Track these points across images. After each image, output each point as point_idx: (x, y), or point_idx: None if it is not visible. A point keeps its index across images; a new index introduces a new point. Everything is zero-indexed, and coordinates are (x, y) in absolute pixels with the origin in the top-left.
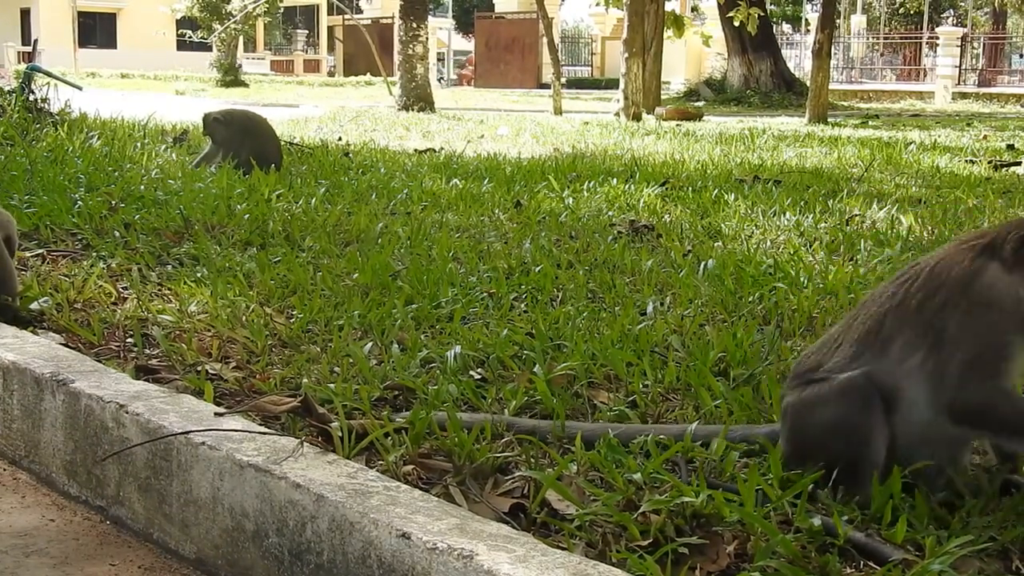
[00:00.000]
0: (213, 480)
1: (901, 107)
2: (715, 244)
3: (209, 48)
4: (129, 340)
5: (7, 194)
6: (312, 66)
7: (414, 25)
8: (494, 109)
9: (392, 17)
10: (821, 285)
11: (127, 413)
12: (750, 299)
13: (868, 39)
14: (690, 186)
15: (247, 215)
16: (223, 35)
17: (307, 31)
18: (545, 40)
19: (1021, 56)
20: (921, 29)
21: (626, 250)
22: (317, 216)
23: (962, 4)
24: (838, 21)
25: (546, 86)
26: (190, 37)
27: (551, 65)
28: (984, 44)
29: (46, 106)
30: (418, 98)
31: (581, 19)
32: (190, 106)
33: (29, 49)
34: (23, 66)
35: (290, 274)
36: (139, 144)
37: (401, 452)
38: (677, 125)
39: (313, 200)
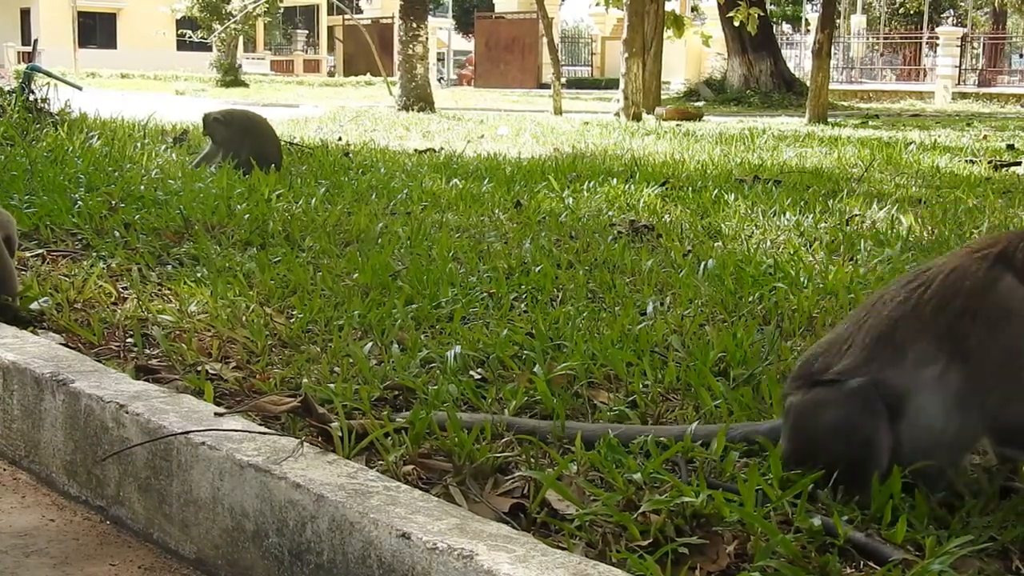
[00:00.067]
0: (213, 480)
1: (901, 107)
2: (715, 244)
3: (209, 48)
4: (129, 340)
5: (7, 194)
6: (312, 66)
7: (414, 25)
8: (494, 109)
9: (392, 17)
10: (821, 285)
11: (127, 413)
12: (750, 299)
13: (868, 39)
14: (690, 186)
15: (247, 215)
16: (223, 35)
17: (307, 31)
18: (545, 40)
19: (1021, 56)
20: (921, 29)
21: (626, 250)
22: (317, 216)
23: (962, 4)
24: (838, 21)
25: (546, 86)
26: (190, 37)
27: (551, 65)
28: (984, 44)
29: (46, 106)
30: (418, 98)
31: (581, 19)
32: (190, 106)
33: (29, 49)
34: (23, 66)
35: (290, 274)
36: (139, 144)
37: (401, 452)
38: (677, 125)
39: (313, 200)
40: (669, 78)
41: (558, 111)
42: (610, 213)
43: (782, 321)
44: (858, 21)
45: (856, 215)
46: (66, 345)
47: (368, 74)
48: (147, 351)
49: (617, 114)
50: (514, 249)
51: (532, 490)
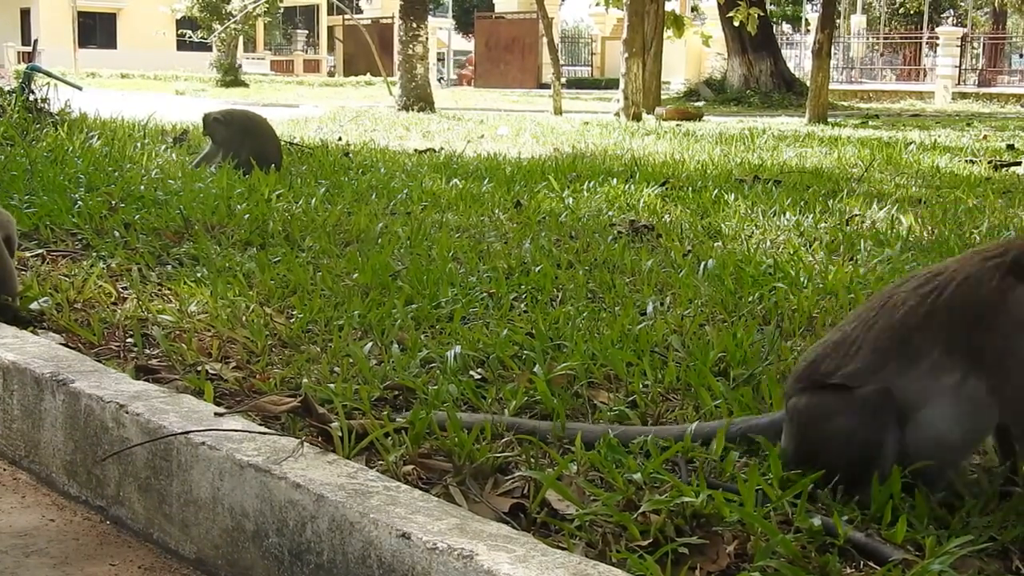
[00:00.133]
0: (213, 480)
1: (901, 107)
2: (715, 244)
3: (209, 48)
4: (129, 340)
5: (7, 194)
6: (312, 66)
7: (414, 25)
8: (494, 109)
9: (392, 17)
10: (821, 285)
11: (127, 413)
12: (750, 299)
13: (868, 39)
14: (690, 186)
15: (247, 215)
16: (223, 35)
17: (307, 31)
18: (545, 40)
19: (1021, 56)
20: (921, 29)
21: (626, 250)
22: (317, 216)
23: (962, 4)
24: (838, 21)
25: (546, 86)
26: (190, 37)
27: (551, 65)
28: (984, 44)
29: (46, 106)
30: (418, 98)
31: (581, 19)
32: (190, 106)
33: (29, 49)
34: (23, 66)
35: (290, 274)
36: (139, 144)
37: (401, 452)
38: (677, 125)
39: (313, 200)
40: (669, 78)
41: (558, 111)
42: (610, 213)
43: (782, 321)
44: (858, 21)
45: (856, 215)
46: (66, 345)
47: (368, 74)
48: (147, 351)
49: (617, 114)
50: (514, 249)
51: (532, 490)
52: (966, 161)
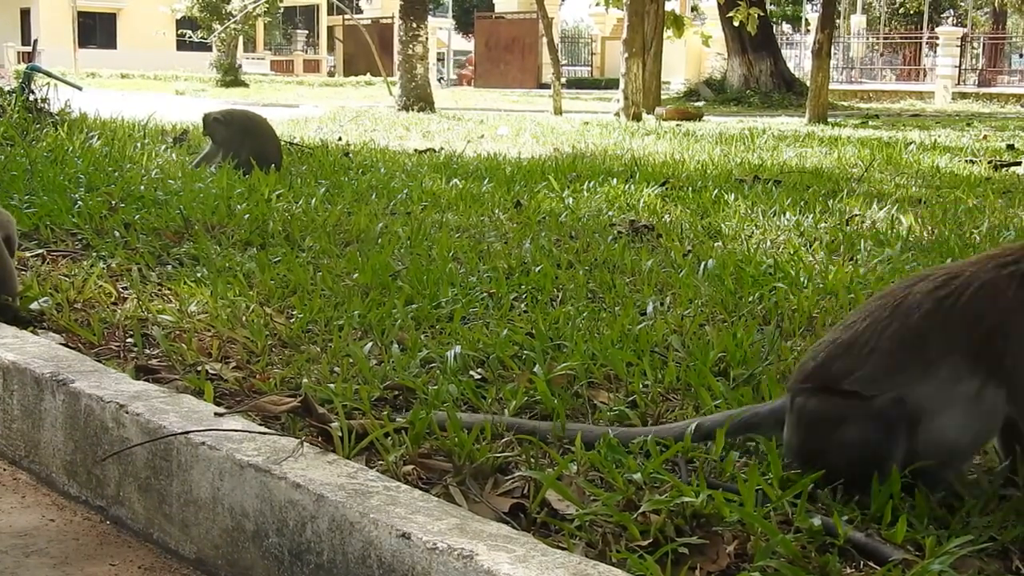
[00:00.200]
0: (213, 480)
1: (901, 107)
2: (715, 244)
3: (209, 48)
4: (129, 340)
5: (7, 194)
6: (312, 66)
7: (414, 25)
8: (494, 109)
9: (392, 17)
10: (821, 285)
11: (127, 413)
12: (750, 299)
13: (868, 39)
14: (690, 186)
15: (247, 215)
16: (223, 35)
17: (307, 31)
18: (545, 40)
19: (1021, 56)
20: (921, 29)
21: (626, 250)
22: (317, 216)
23: (962, 4)
24: (838, 21)
25: (546, 86)
26: (190, 37)
27: (551, 65)
28: (984, 44)
29: (46, 106)
30: (418, 98)
31: (581, 19)
32: (190, 106)
33: (29, 49)
34: (23, 66)
35: (290, 274)
36: (139, 144)
37: (401, 452)
38: (677, 125)
39: (313, 200)
40: (669, 78)
41: (558, 111)
42: (610, 213)
43: (782, 321)
44: (858, 21)
45: (856, 215)
46: (66, 345)
47: (368, 74)
48: (147, 351)
49: (617, 114)
50: (514, 249)
51: (532, 490)
52: (966, 161)
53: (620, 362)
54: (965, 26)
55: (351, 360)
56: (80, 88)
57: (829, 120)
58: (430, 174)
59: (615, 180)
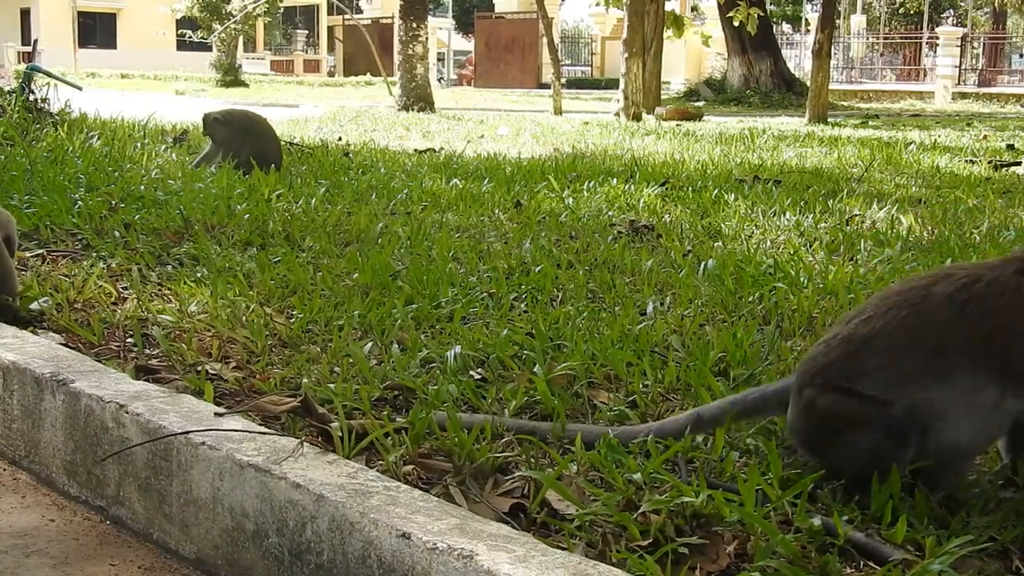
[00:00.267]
0: (213, 480)
1: (901, 107)
2: (715, 244)
3: (209, 48)
4: (129, 340)
5: (7, 194)
6: (312, 66)
7: (414, 25)
8: (494, 109)
9: (392, 17)
10: (821, 285)
11: (127, 413)
12: (750, 299)
13: (868, 39)
14: (690, 186)
15: (247, 215)
16: (223, 35)
17: (307, 31)
18: (545, 40)
19: (1021, 56)
20: (921, 29)
21: (626, 250)
22: (317, 216)
23: (962, 4)
24: (838, 21)
25: (546, 86)
26: (190, 37)
27: (551, 65)
28: (984, 44)
29: (46, 106)
30: (418, 98)
31: (581, 19)
32: (190, 106)
33: (29, 49)
34: (23, 66)
35: (290, 274)
36: (139, 144)
37: (401, 452)
38: (677, 125)
39: (313, 200)
40: (669, 78)
41: (558, 111)
42: (610, 213)
43: (782, 321)
44: (858, 21)
45: (856, 215)
46: (66, 345)
47: (368, 74)
48: (147, 351)
49: (617, 114)
50: (514, 249)
51: (532, 490)
52: (966, 161)
53: (620, 362)
54: (965, 26)
55: (351, 360)
56: (80, 88)
57: (829, 120)
58: (430, 174)
59: (615, 180)
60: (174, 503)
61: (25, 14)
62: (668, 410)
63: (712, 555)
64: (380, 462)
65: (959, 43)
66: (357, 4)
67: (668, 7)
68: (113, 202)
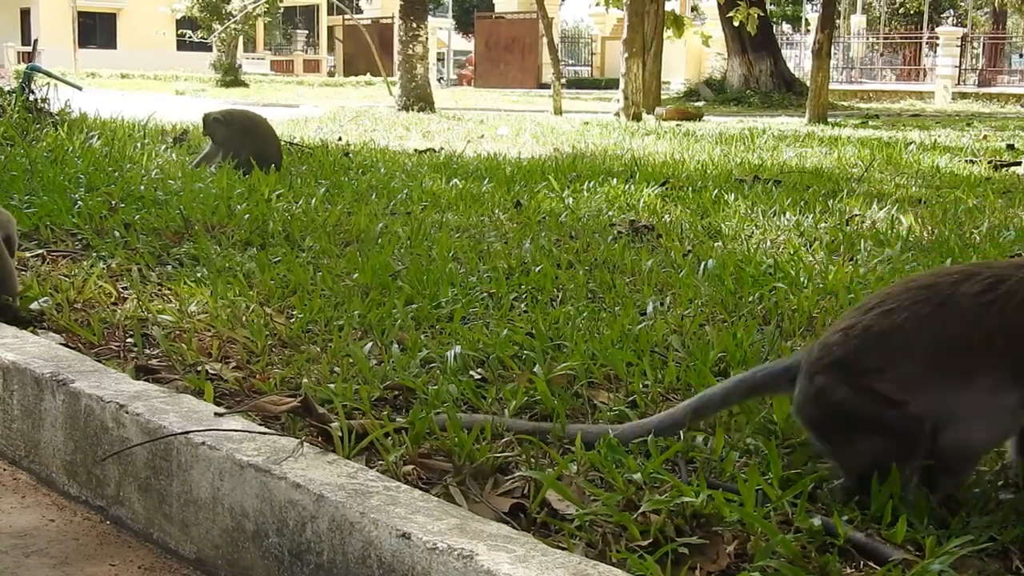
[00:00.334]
0: (213, 480)
1: (901, 107)
2: (715, 244)
3: (209, 48)
4: (129, 340)
5: (7, 194)
6: (312, 66)
7: (414, 25)
8: (494, 109)
9: (392, 17)
10: (821, 285)
11: (127, 413)
12: (750, 299)
13: (868, 39)
14: (690, 186)
15: (247, 215)
16: (223, 35)
17: (307, 31)
18: (545, 40)
19: (1021, 56)
20: (921, 29)
21: (626, 250)
22: (317, 216)
23: (962, 4)
24: (838, 21)
25: (546, 86)
26: (190, 37)
27: (551, 65)
28: (984, 44)
29: (46, 106)
30: (418, 98)
31: (581, 19)
32: (190, 106)
33: (29, 49)
34: (23, 66)
35: (290, 274)
36: (139, 144)
37: (401, 452)
38: (677, 125)
39: (313, 200)
40: (669, 78)
41: (558, 111)
42: (610, 213)
43: (782, 321)
44: (858, 21)
45: (856, 215)
46: (66, 345)
47: (368, 74)
48: (147, 351)
49: (617, 114)
50: (514, 249)
51: (532, 490)
52: (966, 161)
53: (620, 362)
54: (965, 26)
55: (351, 360)
56: (80, 88)
57: (829, 120)
58: (430, 174)
59: (615, 180)
60: (174, 503)
61: (25, 14)
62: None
63: (712, 555)
64: (380, 462)
65: (959, 43)
66: (357, 4)
67: (668, 7)
68: (113, 202)
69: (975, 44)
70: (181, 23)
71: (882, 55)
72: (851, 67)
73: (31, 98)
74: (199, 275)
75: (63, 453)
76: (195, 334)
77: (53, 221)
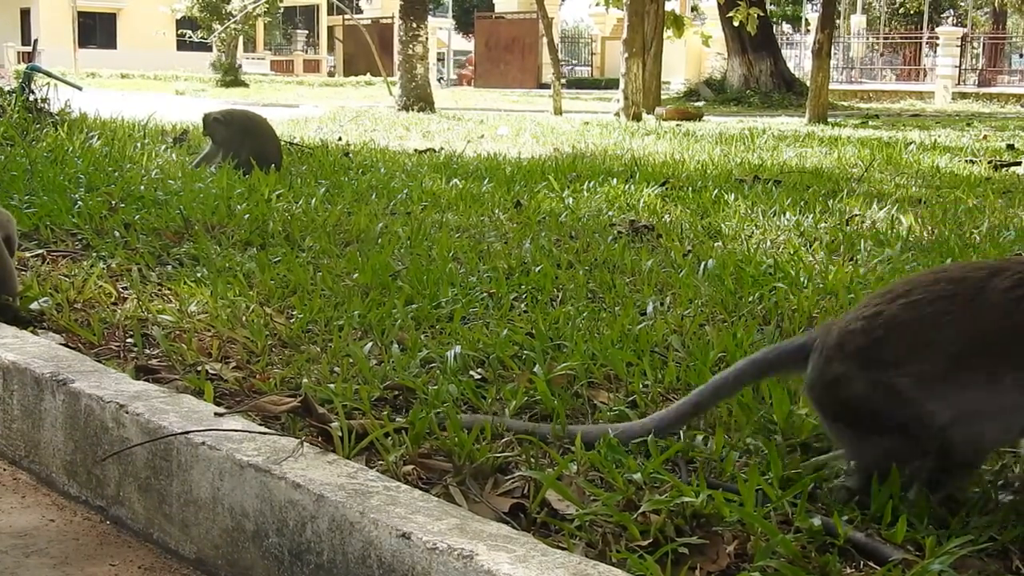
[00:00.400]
0: (213, 480)
1: (901, 107)
2: (715, 244)
3: (209, 48)
4: (129, 340)
5: (7, 194)
6: (312, 66)
7: (414, 25)
8: (494, 109)
9: (392, 17)
10: (821, 285)
11: (127, 413)
12: (750, 299)
13: (868, 39)
14: (690, 186)
15: (247, 215)
16: (223, 35)
17: (307, 31)
18: (545, 40)
19: (1021, 56)
20: (921, 29)
21: (626, 250)
22: (317, 216)
23: (962, 4)
24: (838, 21)
25: (546, 86)
26: (190, 37)
27: (551, 65)
28: (984, 44)
29: (46, 106)
30: (418, 98)
31: (581, 19)
32: (190, 106)
33: (29, 49)
34: (23, 66)
35: (290, 274)
36: (139, 144)
37: (401, 452)
38: (677, 125)
39: (313, 200)
40: (669, 78)
41: (558, 111)
42: (610, 213)
43: (782, 321)
44: (858, 21)
45: (856, 215)
46: (66, 345)
47: (368, 74)
48: (147, 351)
49: (617, 114)
50: (514, 249)
51: (532, 490)
52: (966, 161)
53: (620, 362)
54: (965, 26)
55: (351, 360)
56: (80, 88)
57: (829, 120)
58: (430, 174)
59: (615, 180)
60: (174, 503)
61: (25, 14)
62: None
63: (712, 555)
64: (380, 462)
65: (959, 43)
66: (357, 4)
67: (668, 7)
68: (113, 202)
69: (975, 44)
70: (181, 23)
71: (882, 55)
72: (851, 67)
73: (31, 98)
74: (199, 275)
75: (63, 453)
76: (195, 334)
77: (53, 221)
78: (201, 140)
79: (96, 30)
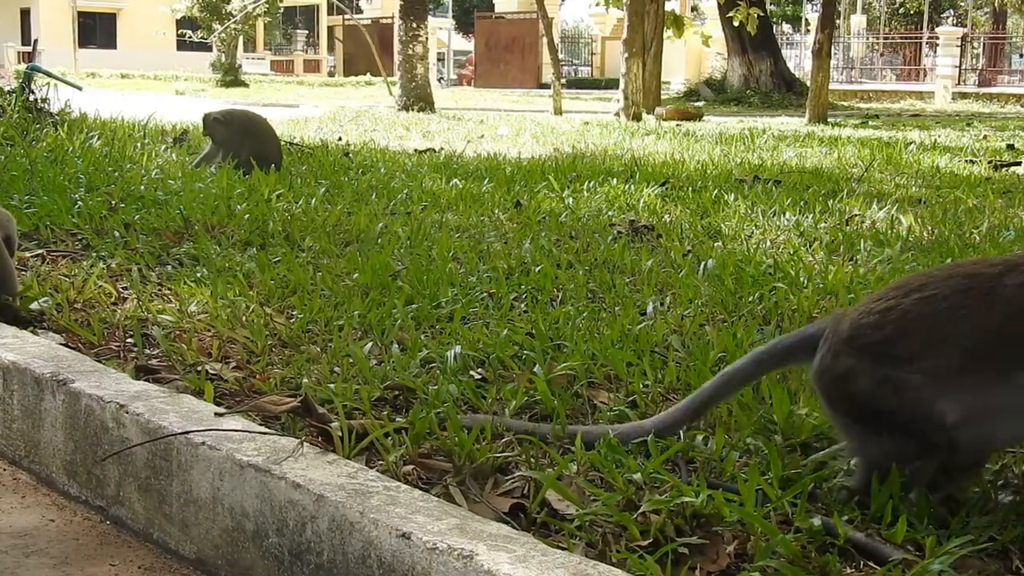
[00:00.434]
0: (213, 480)
1: (901, 107)
2: (715, 244)
3: (209, 48)
4: (129, 340)
5: (7, 194)
6: (312, 66)
7: (414, 25)
8: (494, 109)
9: (392, 17)
10: (821, 285)
11: (127, 413)
12: (750, 299)
13: (868, 39)
14: (690, 186)
15: (247, 215)
16: (223, 35)
17: (307, 31)
18: (545, 40)
19: (1021, 56)
20: (921, 29)
21: (626, 250)
22: (317, 216)
23: (962, 4)
24: (838, 21)
25: (546, 86)
26: (190, 37)
27: (551, 65)
28: (984, 44)
29: (46, 106)
30: (418, 98)
31: (581, 19)
32: (190, 106)
33: (29, 49)
34: (23, 66)
35: (290, 274)
36: (139, 144)
37: (401, 452)
38: (677, 125)
39: (313, 200)
40: (669, 78)
41: (558, 111)
42: (610, 213)
43: (782, 321)
44: (858, 21)
45: (856, 215)
46: (66, 345)
47: (368, 74)
48: (147, 351)
49: (617, 114)
50: (514, 249)
51: (532, 490)
52: (966, 161)
53: (620, 362)
54: (965, 26)
55: (351, 360)
56: (80, 88)
57: (829, 120)
58: (430, 174)
59: (615, 180)
60: (174, 503)
61: (25, 14)
62: None
63: (712, 555)
64: (380, 462)
65: (959, 43)
66: (357, 4)
67: (668, 7)
68: (113, 202)
69: (975, 44)
70: (181, 23)
71: (882, 55)
72: (851, 67)
73: (31, 98)
74: (199, 275)
75: (63, 453)
76: (195, 334)
77: (53, 221)
78: (201, 140)
79: (96, 30)
